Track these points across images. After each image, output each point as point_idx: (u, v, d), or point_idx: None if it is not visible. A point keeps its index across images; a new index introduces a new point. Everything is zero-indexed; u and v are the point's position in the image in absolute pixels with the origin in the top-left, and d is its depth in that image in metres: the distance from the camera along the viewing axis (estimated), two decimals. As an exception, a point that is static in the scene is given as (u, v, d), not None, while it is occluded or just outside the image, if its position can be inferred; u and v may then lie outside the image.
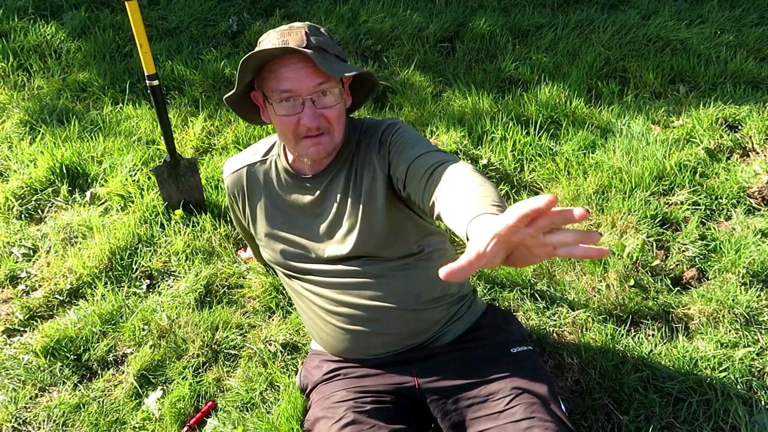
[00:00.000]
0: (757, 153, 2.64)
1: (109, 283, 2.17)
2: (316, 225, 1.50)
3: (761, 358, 1.78)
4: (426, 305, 1.49)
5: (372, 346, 1.51)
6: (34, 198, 2.60)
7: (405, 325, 1.48)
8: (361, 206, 1.44)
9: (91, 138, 2.95)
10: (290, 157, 1.50)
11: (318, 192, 1.48)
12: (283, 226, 1.54)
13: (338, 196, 1.47)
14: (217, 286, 2.14)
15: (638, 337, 1.86)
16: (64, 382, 1.85)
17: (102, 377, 1.87)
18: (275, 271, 1.76)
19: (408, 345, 1.51)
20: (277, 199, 1.54)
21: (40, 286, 2.20)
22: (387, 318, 1.47)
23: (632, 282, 2.02)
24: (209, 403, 1.75)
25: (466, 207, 0.97)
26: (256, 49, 1.32)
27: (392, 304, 1.46)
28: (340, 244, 1.48)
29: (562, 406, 1.40)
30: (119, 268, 2.21)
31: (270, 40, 1.33)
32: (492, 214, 0.91)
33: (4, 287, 2.21)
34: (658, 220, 2.28)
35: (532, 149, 2.70)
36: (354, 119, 1.53)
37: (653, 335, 1.88)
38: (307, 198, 1.50)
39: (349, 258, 1.48)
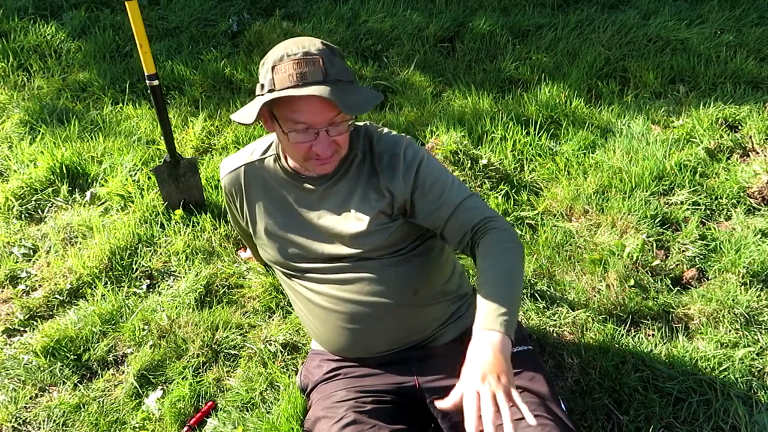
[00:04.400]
0: (757, 153, 2.64)
1: (109, 283, 2.17)
2: (314, 225, 1.50)
3: (761, 358, 1.78)
4: (424, 301, 1.49)
5: (372, 345, 1.51)
6: (34, 198, 2.60)
7: (404, 321, 1.49)
8: (362, 214, 1.45)
9: (91, 138, 2.95)
10: (290, 160, 1.51)
11: (318, 193, 1.49)
12: (281, 226, 1.54)
13: (339, 199, 1.47)
14: (217, 286, 2.14)
15: (638, 337, 1.86)
16: (64, 382, 1.86)
17: (102, 377, 1.87)
18: (274, 271, 1.76)
19: (408, 343, 1.51)
20: (276, 198, 1.54)
21: (40, 286, 2.20)
22: (386, 314, 1.47)
23: (632, 282, 2.02)
24: (209, 403, 1.75)
25: (480, 310, 1.26)
26: (270, 66, 1.29)
27: (391, 300, 1.46)
28: (339, 245, 1.48)
29: (563, 406, 1.40)
30: (119, 268, 2.21)
31: (284, 69, 1.28)
32: (490, 330, 1.21)
33: (4, 287, 2.21)
34: (658, 220, 2.28)
35: (532, 149, 2.70)
36: (356, 126, 1.53)
37: (653, 335, 1.88)
38: (307, 198, 1.50)
39: (347, 256, 1.48)
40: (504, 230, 1.38)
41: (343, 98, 1.27)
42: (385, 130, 1.52)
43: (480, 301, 1.26)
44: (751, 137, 2.70)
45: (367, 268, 1.47)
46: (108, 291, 2.11)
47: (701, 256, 2.14)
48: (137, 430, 1.71)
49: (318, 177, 1.48)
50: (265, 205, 1.56)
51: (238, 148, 2.81)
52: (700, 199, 2.39)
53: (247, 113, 1.35)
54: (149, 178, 2.60)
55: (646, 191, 2.40)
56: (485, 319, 1.22)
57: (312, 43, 1.31)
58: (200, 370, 1.87)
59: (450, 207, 1.41)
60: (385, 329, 1.49)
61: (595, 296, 2.01)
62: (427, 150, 1.51)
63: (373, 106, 1.35)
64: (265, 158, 1.56)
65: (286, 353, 1.89)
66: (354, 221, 1.46)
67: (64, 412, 1.76)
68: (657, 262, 2.10)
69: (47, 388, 1.85)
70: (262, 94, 1.32)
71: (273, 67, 1.30)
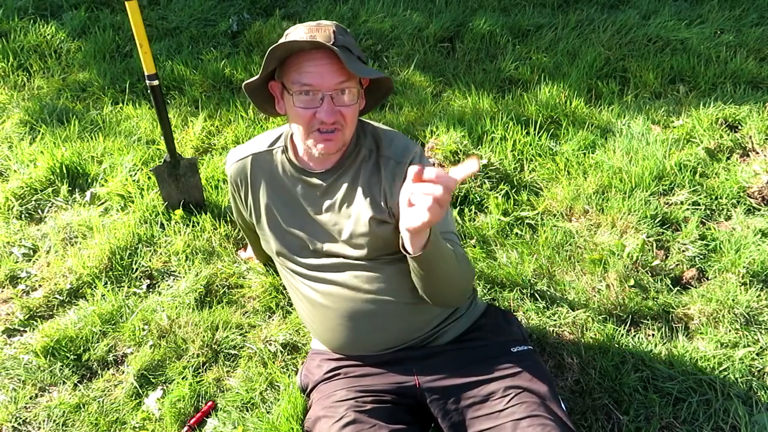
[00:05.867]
0: (757, 153, 2.64)
1: (109, 283, 2.17)
2: (316, 220, 1.51)
3: (761, 358, 1.78)
4: (422, 299, 1.50)
5: (372, 342, 1.51)
6: (34, 198, 2.60)
7: (404, 319, 1.49)
8: (363, 213, 1.46)
9: (91, 138, 2.95)
10: (300, 150, 1.51)
11: (322, 188, 1.50)
12: (284, 218, 1.55)
13: (342, 196, 1.48)
14: (217, 286, 2.14)
15: (638, 337, 1.86)
16: (64, 382, 1.86)
17: (102, 377, 1.87)
18: (275, 267, 1.76)
19: (408, 341, 1.52)
20: (281, 190, 1.55)
21: (40, 286, 2.20)
22: (385, 312, 1.47)
23: (632, 282, 2.02)
24: (209, 403, 1.75)
25: None
26: (283, 39, 1.35)
27: (391, 297, 1.47)
28: (339, 243, 1.49)
29: (563, 406, 1.40)
30: (119, 268, 2.21)
31: (298, 33, 1.36)
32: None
33: (4, 287, 2.21)
34: (658, 220, 2.28)
35: (532, 149, 2.70)
36: (364, 122, 1.55)
37: (653, 335, 1.88)
38: (311, 193, 1.51)
39: (347, 255, 1.49)
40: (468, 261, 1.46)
41: (347, 59, 1.30)
42: (398, 133, 1.53)
43: None
44: (751, 137, 2.70)
45: (368, 267, 1.48)
46: (108, 291, 2.11)
47: (701, 256, 2.14)
48: (137, 430, 1.71)
49: (323, 172, 1.49)
50: (270, 196, 1.57)
51: (238, 148, 2.82)
52: (700, 199, 2.39)
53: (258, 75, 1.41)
54: (149, 178, 2.60)
55: (646, 191, 2.40)
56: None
57: (329, 21, 1.40)
58: (200, 370, 1.87)
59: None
60: (386, 327, 1.49)
61: (595, 296, 2.01)
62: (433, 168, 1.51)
63: (377, 75, 1.39)
64: (273, 149, 1.57)
65: (286, 353, 1.89)
66: (354, 221, 1.46)
67: (64, 412, 1.76)
68: (657, 262, 2.10)
69: (47, 388, 1.85)
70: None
71: (287, 34, 1.39)
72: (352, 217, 1.47)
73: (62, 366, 1.89)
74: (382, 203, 1.45)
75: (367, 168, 1.48)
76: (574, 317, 1.93)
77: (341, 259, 1.50)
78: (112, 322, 2.02)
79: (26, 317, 2.07)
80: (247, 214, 1.65)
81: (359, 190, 1.47)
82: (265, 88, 1.47)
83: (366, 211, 1.45)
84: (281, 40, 1.35)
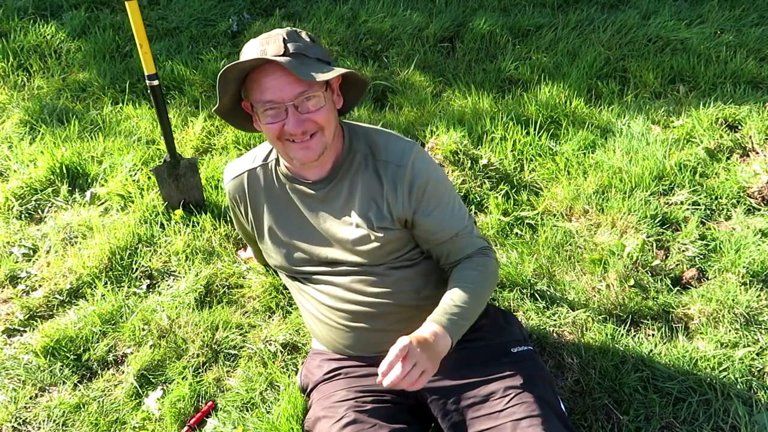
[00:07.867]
0: (757, 153, 2.64)
1: (109, 283, 2.17)
2: (316, 229, 1.51)
3: (761, 358, 1.78)
4: (426, 301, 1.50)
5: (374, 343, 1.51)
6: (34, 198, 2.60)
7: (406, 321, 1.49)
8: (365, 221, 1.45)
9: (91, 138, 2.95)
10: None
11: (320, 197, 1.49)
12: (285, 231, 1.55)
13: (340, 203, 1.48)
14: (217, 286, 2.14)
15: (638, 337, 1.86)
16: (64, 382, 1.86)
17: (102, 377, 1.87)
18: (277, 273, 1.76)
19: None
20: (280, 203, 1.55)
21: (40, 286, 2.20)
22: (389, 314, 1.48)
23: (632, 282, 2.02)
24: (209, 403, 1.75)
25: (438, 306, 1.38)
26: (235, 61, 1.32)
27: (393, 300, 1.47)
28: (341, 250, 1.49)
29: (562, 406, 1.40)
30: (119, 268, 2.21)
31: (251, 49, 1.34)
32: (436, 323, 1.33)
33: (4, 287, 2.21)
34: (658, 220, 2.28)
35: (532, 149, 2.70)
36: (355, 126, 1.53)
37: (653, 335, 1.88)
38: (308, 202, 1.51)
39: (349, 262, 1.49)
40: (489, 258, 1.49)
41: (297, 65, 1.27)
42: (392, 134, 1.51)
43: (442, 300, 1.38)
44: (751, 137, 2.70)
45: (370, 272, 1.48)
46: (108, 291, 2.11)
47: (701, 256, 2.14)
48: (137, 430, 1.71)
49: (319, 181, 1.48)
50: (269, 211, 1.56)
51: (238, 148, 2.82)
52: (700, 199, 2.39)
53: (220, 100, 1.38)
54: (149, 178, 2.60)
55: (646, 191, 2.40)
56: (437, 313, 1.34)
57: (281, 29, 1.36)
58: (200, 370, 1.87)
59: (450, 233, 1.46)
60: (389, 329, 1.49)
61: (595, 296, 2.01)
62: (435, 163, 1.50)
63: (333, 75, 1.31)
64: (267, 163, 1.56)
65: (286, 353, 1.89)
66: (354, 228, 1.46)
67: (64, 412, 1.76)
68: (657, 262, 2.10)
69: (47, 388, 1.85)
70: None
71: (242, 52, 1.37)
72: (353, 224, 1.47)
73: (62, 366, 1.89)
74: (385, 210, 1.44)
75: (365, 175, 1.46)
76: (574, 317, 1.93)
77: (344, 267, 1.50)
78: (112, 322, 2.02)
79: (26, 317, 2.07)
80: (249, 228, 1.65)
81: (359, 197, 1.46)
82: (239, 109, 1.45)
83: (367, 218, 1.45)
84: (235, 60, 1.33)
